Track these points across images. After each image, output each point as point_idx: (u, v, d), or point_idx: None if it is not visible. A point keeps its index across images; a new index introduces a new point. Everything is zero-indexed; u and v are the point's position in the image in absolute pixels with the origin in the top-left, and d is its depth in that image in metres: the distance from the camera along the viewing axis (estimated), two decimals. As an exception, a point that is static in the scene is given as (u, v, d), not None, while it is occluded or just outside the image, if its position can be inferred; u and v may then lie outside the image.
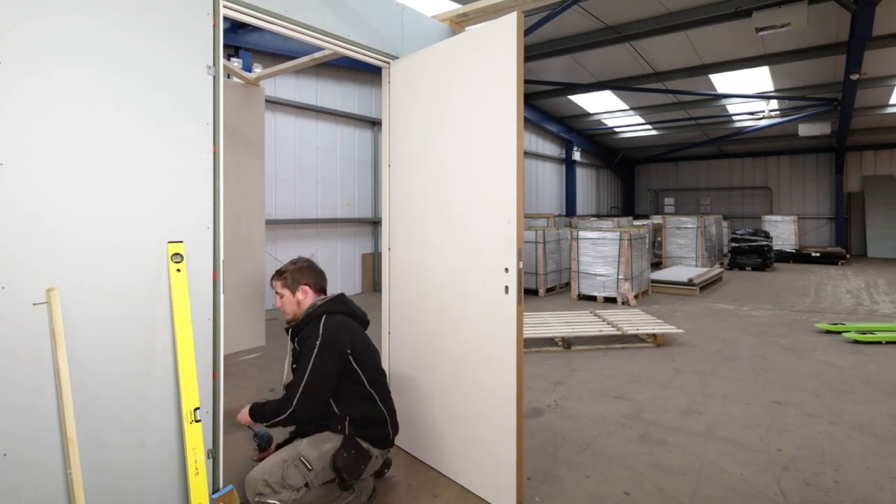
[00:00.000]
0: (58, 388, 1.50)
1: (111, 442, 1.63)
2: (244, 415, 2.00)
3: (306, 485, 1.89)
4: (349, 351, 1.96)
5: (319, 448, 1.93)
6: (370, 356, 2.06)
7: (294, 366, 2.02)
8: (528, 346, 4.74)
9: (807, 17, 6.41)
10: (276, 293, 2.10)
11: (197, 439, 1.72)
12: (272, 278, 2.12)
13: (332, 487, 1.96)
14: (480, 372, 2.16)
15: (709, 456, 2.62)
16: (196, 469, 1.70)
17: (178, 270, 1.74)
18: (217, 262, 1.91)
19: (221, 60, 1.93)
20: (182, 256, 1.75)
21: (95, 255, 1.60)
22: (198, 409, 1.73)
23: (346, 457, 1.89)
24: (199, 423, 1.73)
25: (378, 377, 2.08)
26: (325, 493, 1.96)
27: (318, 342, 1.90)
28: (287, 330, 2.11)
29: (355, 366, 1.97)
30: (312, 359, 1.89)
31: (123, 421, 1.65)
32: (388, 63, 2.66)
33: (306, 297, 2.08)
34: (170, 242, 1.76)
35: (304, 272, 2.10)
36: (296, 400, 1.87)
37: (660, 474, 2.43)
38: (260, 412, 1.96)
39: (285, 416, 1.89)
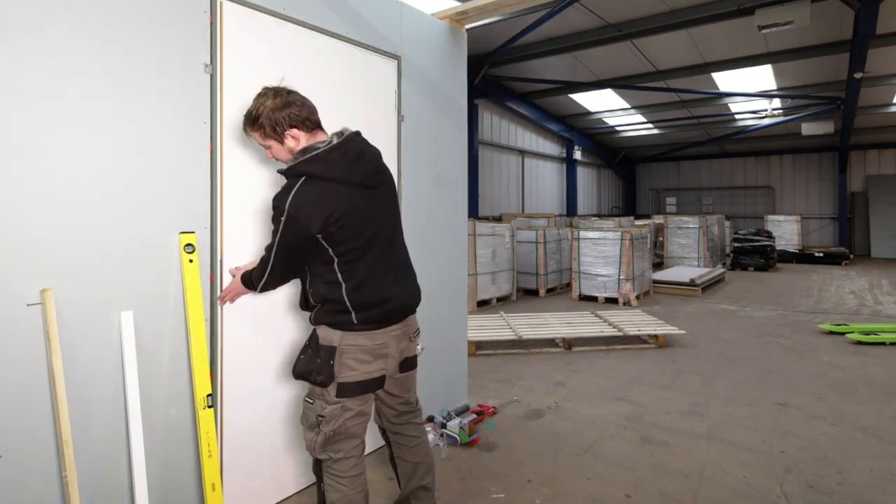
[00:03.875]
0: (52, 389, 1.48)
1: (111, 437, 1.62)
2: (237, 286, 1.74)
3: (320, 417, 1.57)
4: (319, 231, 1.50)
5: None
6: (355, 225, 1.55)
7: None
8: (529, 346, 4.72)
9: (810, 15, 6.37)
10: (262, 146, 1.61)
11: (209, 424, 1.77)
12: (245, 125, 1.59)
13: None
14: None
15: (711, 458, 2.60)
16: (209, 451, 1.76)
17: (191, 261, 1.78)
18: (215, 262, 1.90)
19: (221, 59, 1.91)
20: (194, 247, 1.79)
21: (92, 255, 1.58)
22: (210, 395, 1.78)
23: (302, 359, 1.61)
24: (212, 409, 1.79)
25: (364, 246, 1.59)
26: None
27: (283, 217, 1.49)
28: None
29: (326, 245, 1.53)
30: (279, 234, 1.50)
31: (121, 414, 1.64)
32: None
33: (299, 143, 1.57)
34: (182, 233, 1.79)
35: (283, 112, 1.53)
36: (262, 280, 1.59)
37: (661, 476, 2.41)
38: (248, 281, 1.68)
39: (253, 287, 1.65)
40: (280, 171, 1.59)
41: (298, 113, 1.56)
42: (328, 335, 1.59)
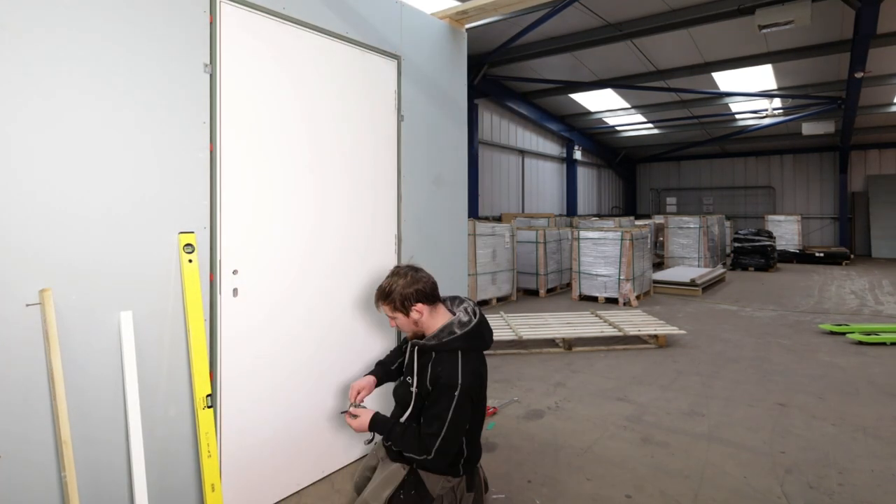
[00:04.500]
0: (51, 390, 1.48)
1: (111, 438, 1.62)
2: (362, 423, 1.76)
3: None
4: (477, 398, 1.78)
5: (379, 497, 1.73)
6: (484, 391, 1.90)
7: (411, 397, 1.82)
8: (529, 347, 4.71)
9: (810, 15, 6.36)
10: (389, 317, 1.84)
11: (209, 424, 1.77)
12: (378, 299, 1.83)
13: None
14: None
15: (711, 458, 2.60)
16: (209, 452, 1.76)
17: (190, 261, 1.78)
18: (215, 262, 1.90)
19: (220, 59, 1.91)
20: (193, 247, 1.78)
21: (91, 255, 1.58)
22: (210, 395, 1.78)
23: (403, 498, 1.72)
24: (211, 409, 1.79)
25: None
26: None
27: (456, 392, 1.69)
28: (413, 344, 1.85)
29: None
30: (452, 410, 1.67)
31: (121, 415, 1.64)
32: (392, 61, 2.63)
33: (423, 316, 1.81)
34: (181, 233, 1.78)
35: (410, 289, 1.78)
36: (435, 450, 1.67)
37: (662, 477, 2.41)
38: (386, 430, 1.74)
39: (419, 459, 1.70)
40: (433, 347, 1.76)
41: (423, 289, 1.78)
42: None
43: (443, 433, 1.68)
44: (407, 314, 1.78)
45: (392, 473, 1.77)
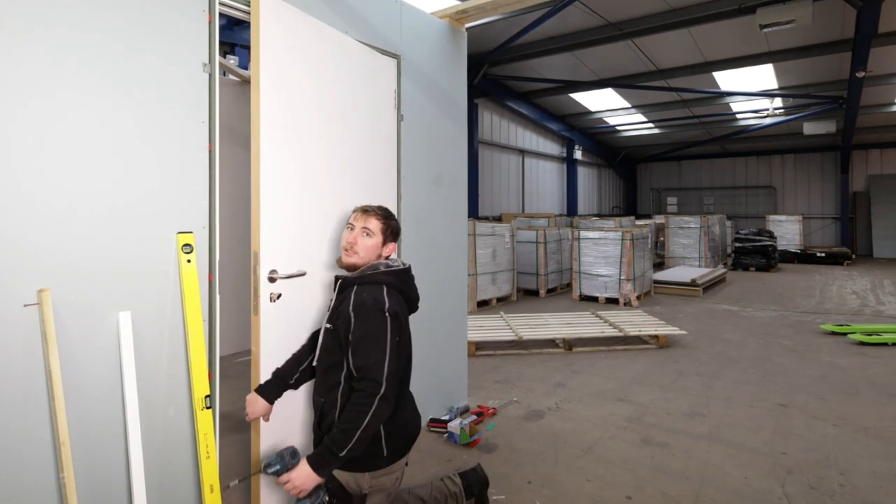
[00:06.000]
0: (50, 390, 1.48)
1: (109, 439, 1.61)
2: (306, 480, 1.40)
3: None
4: (405, 335, 1.62)
5: None
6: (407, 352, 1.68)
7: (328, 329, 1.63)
8: (529, 347, 4.71)
9: (811, 14, 6.35)
10: (362, 228, 1.67)
11: (208, 425, 1.76)
12: (372, 212, 1.69)
13: None
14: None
15: (712, 459, 2.59)
16: (207, 453, 1.75)
17: (189, 261, 1.78)
18: (213, 262, 1.89)
19: (217, 58, 1.90)
20: (192, 247, 1.78)
21: (90, 255, 1.57)
22: (208, 396, 1.78)
23: None
24: (210, 410, 1.78)
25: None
26: None
27: (387, 313, 1.51)
28: (337, 279, 1.69)
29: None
30: (388, 331, 1.48)
31: (119, 416, 1.63)
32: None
33: (385, 252, 1.73)
34: (180, 233, 1.77)
35: (399, 232, 1.78)
36: (385, 379, 1.40)
37: (662, 478, 2.40)
38: (332, 453, 1.40)
39: (375, 405, 1.38)
40: (354, 281, 1.63)
41: (398, 231, 1.79)
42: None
43: (387, 357, 1.45)
44: (383, 243, 1.71)
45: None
